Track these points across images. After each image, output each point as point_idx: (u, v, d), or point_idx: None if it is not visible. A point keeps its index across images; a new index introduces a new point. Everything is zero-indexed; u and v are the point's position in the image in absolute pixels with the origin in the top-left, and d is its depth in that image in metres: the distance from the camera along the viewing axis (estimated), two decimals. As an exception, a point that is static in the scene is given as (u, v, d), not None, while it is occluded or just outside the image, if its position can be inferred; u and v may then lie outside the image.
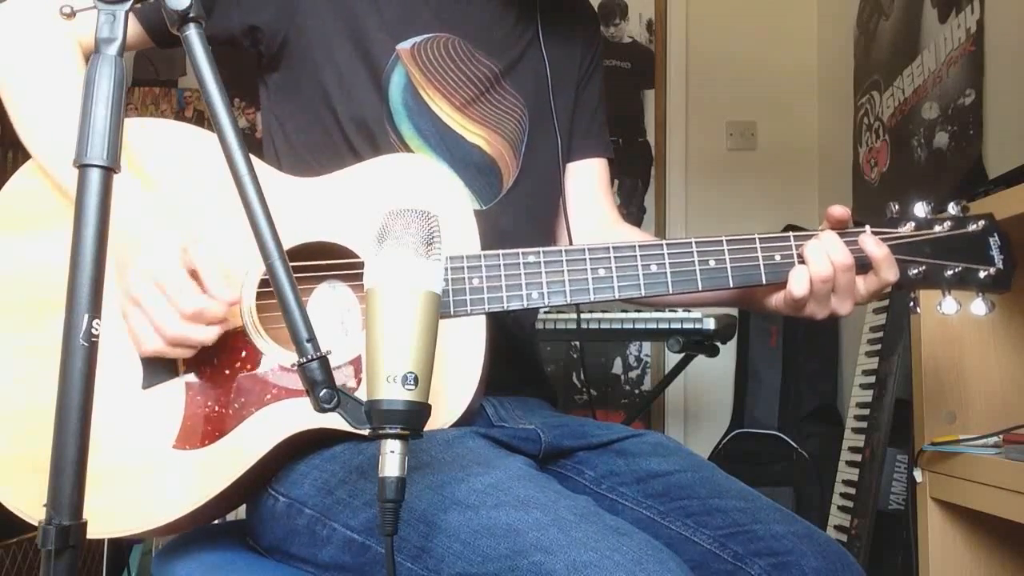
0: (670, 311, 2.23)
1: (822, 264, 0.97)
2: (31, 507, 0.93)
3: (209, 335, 0.91)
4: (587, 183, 1.27)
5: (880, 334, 2.32)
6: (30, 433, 0.93)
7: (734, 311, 2.45)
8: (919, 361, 1.47)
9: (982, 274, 0.99)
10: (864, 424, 2.32)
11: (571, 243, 1.20)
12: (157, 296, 0.90)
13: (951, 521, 1.45)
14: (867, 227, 1.01)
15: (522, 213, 1.15)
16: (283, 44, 1.09)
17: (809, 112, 3.21)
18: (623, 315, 2.23)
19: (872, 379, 2.31)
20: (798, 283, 0.98)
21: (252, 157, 0.77)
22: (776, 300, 1.03)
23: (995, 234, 1.00)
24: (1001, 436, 1.32)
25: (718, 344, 2.29)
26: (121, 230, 0.92)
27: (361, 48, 1.08)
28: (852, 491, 2.32)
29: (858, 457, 2.31)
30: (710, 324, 2.20)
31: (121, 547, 2.44)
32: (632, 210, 3.22)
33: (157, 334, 0.90)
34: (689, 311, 2.23)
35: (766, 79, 3.19)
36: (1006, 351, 1.47)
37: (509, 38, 1.17)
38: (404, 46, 1.10)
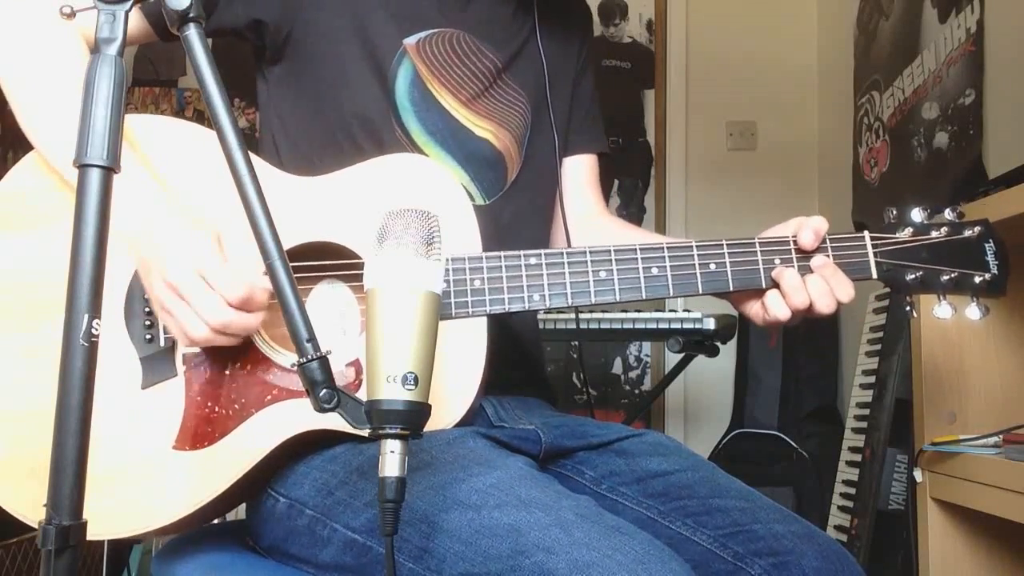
0: (670, 311, 2.23)
1: (799, 298, 0.98)
2: (29, 509, 0.93)
3: (254, 321, 0.91)
4: (573, 177, 1.28)
5: (880, 334, 2.32)
6: (28, 436, 0.93)
7: (734, 311, 2.45)
8: (919, 361, 1.47)
9: (977, 279, 1.01)
10: (864, 424, 2.32)
11: (568, 239, 1.21)
12: (200, 285, 0.89)
13: (951, 521, 1.45)
14: (865, 232, 1.02)
15: (524, 206, 1.16)
16: (287, 38, 1.09)
17: (809, 112, 3.21)
18: (623, 315, 2.23)
19: (872, 379, 2.32)
20: (781, 311, 0.99)
21: (252, 155, 0.77)
22: (753, 311, 1.04)
23: (990, 240, 1.02)
24: (1001, 436, 1.31)
25: (718, 344, 2.29)
26: (146, 230, 0.92)
27: (367, 44, 1.08)
28: (852, 491, 2.32)
29: (858, 457, 2.31)
30: (710, 324, 2.20)
31: (121, 547, 2.44)
32: (632, 210, 3.22)
33: (203, 322, 0.89)
34: (689, 311, 2.23)
35: (766, 79, 3.19)
36: (1006, 351, 1.47)
37: (508, 32, 1.17)
38: (410, 41, 1.10)
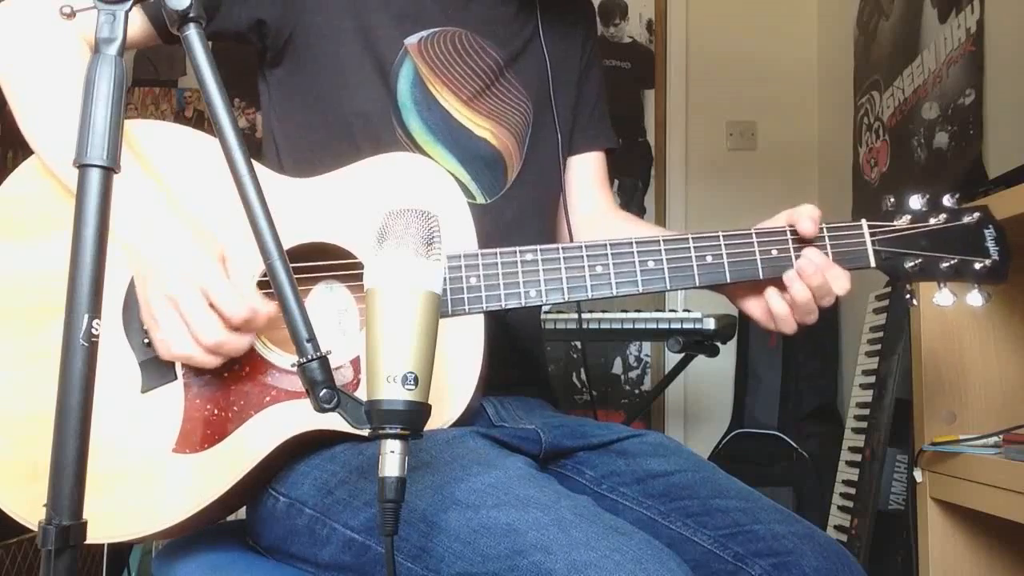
0: (670, 311, 2.23)
1: (801, 292, 0.98)
2: (30, 512, 0.93)
3: (243, 345, 0.91)
4: (582, 175, 1.28)
5: (880, 334, 2.32)
6: (29, 439, 0.93)
7: (734, 311, 2.45)
8: (919, 361, 1.47)
9: (978, 265, 1.00)
10: (864, 424, 2.32)
11: (571, 238, 1.21)
12: (202, 303, 0.89)
13: (951, 521, 1.45)
14: (863, 221, 1.01)
15: (526, 205, 1.16)
16: (289, 39, 1.09)
17: (809, 112, 3.21)
18: (623, 315, 2.23)
19: (872, 379, 2.31)
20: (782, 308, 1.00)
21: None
22: (755, 309, 1.04)
23: (990, 226, 1.01)
24: (1001, 436, 1.31)
25: (718, 344, 2.29)
26: (145, 236, 0.92)
27: (368, 43, 1.08)
28: (852, 491, 2.32)
29: (858, 457, 2.31)
30: (710, 324, 2.20)
31: (121, 547, 2.44)
32: (632, 210, 3.21)
33: (193, 339, 0.89)
34: (689, 311, 2.23)
35: (766, 79, 3.18)
36: (1006, 351, 1.47)
37: (510, 30, 1.17)
38: (411, 41, 1.10)
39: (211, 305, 0.89)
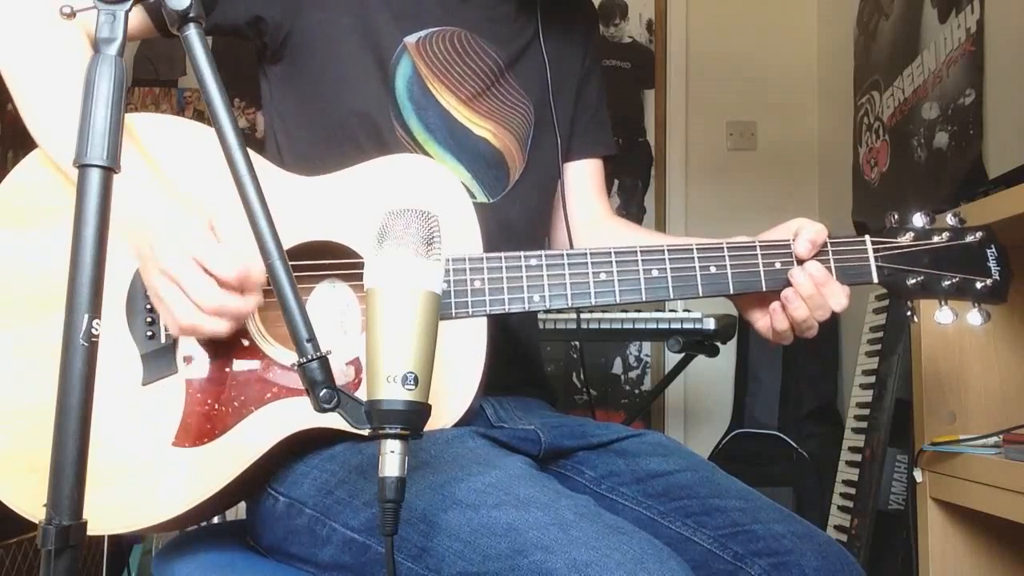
0: (670, 311, 2.23)
1: (800, 310, 1.00)
2: (30, 505, 0.93)
3: (248, 305, 0.90)
4: (580, 182, 1.28)
5: (880, 334, 2.32)
6: (30, 431, 0.93)
7: (734, 311, 2.45)
8: (919, 361, 1.47)
9: (979, 285, 1.01)
10: (864, 424, 2.32)
11: (571, 243, 1.21)
12: (193, 267, 0.88)
13: (951, 521, 1.45)
14: (867, 237, 1.02)
15: (529, 206, 1.17)
16: (288, 36, 1.09)
17: (809, 112, 3.21)
18: (623, 315, 2.23)
19: (872, 379, 2.31)
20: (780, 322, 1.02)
21: (253, 154, 0.77)
22: (757, 321, 1.06)
23: (992, 246, 1.01)
24: (1001, 436, 1.31)
25: (718, 344, 2.29)
26: (145, 225, 0.91)
27: (368, 41, 1.08)
28: (852, 491, 2.32)
29: (858, 457, 2.31)
30: (710, 324, 2.20)
31: (121, 547, 2.44)
32: (632, 210, 3.22)
33: (195, 307, 0.88)
34: (689, 311, 2.23)
35: (766, 79, 3.18)
36: (1006, 351, 1.47)
37: (511, 31, 1.17)
38: (411, 39, 1.10)
39: (205, 271, 0.88)
